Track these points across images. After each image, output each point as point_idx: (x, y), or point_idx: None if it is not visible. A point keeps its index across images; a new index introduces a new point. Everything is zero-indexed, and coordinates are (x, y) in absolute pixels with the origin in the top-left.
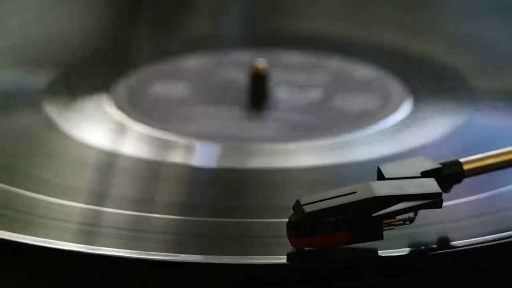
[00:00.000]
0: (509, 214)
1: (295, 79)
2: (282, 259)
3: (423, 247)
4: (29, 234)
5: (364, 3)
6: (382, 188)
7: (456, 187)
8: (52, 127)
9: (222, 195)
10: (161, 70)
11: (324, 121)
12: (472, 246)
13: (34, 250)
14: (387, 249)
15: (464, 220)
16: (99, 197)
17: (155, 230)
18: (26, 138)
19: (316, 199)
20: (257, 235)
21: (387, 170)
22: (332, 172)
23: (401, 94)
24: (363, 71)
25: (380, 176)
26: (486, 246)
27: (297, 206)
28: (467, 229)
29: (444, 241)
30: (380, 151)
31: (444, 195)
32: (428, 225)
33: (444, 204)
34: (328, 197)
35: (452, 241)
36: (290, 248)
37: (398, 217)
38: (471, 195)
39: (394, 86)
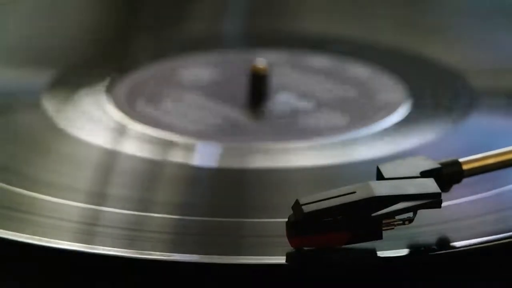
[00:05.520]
0: (509, 214)
1: (295, 79)
2: (282, 259)
3: (422, 247)
4: (28, 233)
5: (364, 3)
6: (381, 188)
7: (455, 187)
8: (52, 127)
9: (221, 195)
10: (161, 70)
11: (323, 121)
12: (471, 246)
13: (33, 249)
14: (386, 250)
15: (464, 220)
16: (98, 196)
17: (154, 230)
18: (26, 138)
19: (315, 199)
20: (256, 235)
21: (386, 170)
22: (332, 172)
23: (401, 94)
24: (363, 71)
25: (380, 176)
26: (486, 246)
27: (297, 206)
28: (467, 229)
29: (443, 241)
30: (379, 151)
31: (443, 195)
32: (428, 225)
33: (444, 204)
34: (327, 197)
35: (452, 242)
36: (289, 248)
37: (397, 217)
38: (471, 195)
39: (393, 85)
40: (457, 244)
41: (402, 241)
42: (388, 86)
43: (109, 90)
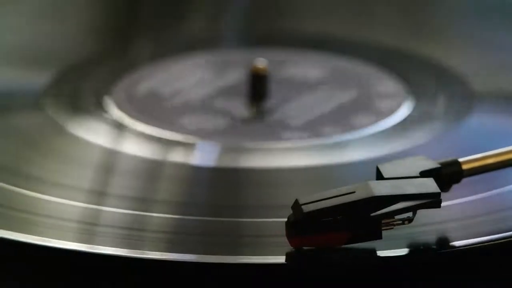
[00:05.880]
0: (508, 214)
1: (295, 79)
2: (281, 259)
3: (422, 247)
4: (29, 233)
5: (365, 2)
6: (381, 188)
7: (455, 187)
8: (52, 126)
9: (221, 194)
10: (161, 70)
11: (323, 121)
12: (471, 246)
13: (33, 249)
14: (386, 249)
15: (463, 220)
16: (98, 196)
17: (154, 229)
18: (26, 138)
19: (315, 199)
20: (256, 235)
21: (386, 170)
22: (331, 172)
23: (402, 94)
24: (363, 71)
25: (379, 176)
26: (486, 246)
27: (296, 205)
28: (466, 229)
29: (443, 241)
30: (379, 151)
31: (443, 195)
32: (427, 225)
33: (443, 204)
34: (327, 197)
35: (451, 241)
36: (289, 247)
37: (397, 217)
38: (470, 195)
39: (394, 86)
40: (457, 244)
41: (402, 241)
42: (388, 86)
43: (109, 90)
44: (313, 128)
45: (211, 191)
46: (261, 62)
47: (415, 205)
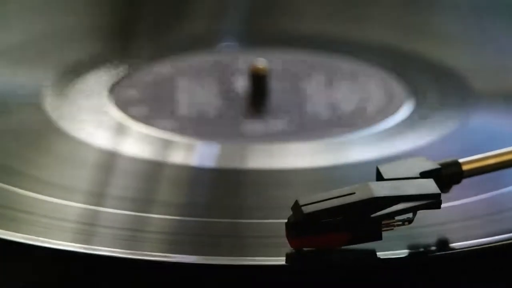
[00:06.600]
0: (509, 215)
1: (295, 79)
2: (281, 260)
3: (422, 248)
4: (28, 234)
5: (365, 3)
6: (381, 189)
7: (455, 188)
8: (52, 127)
9: (221, 195)
10: (161, 70)
11: (323, 121)
12: (471, 248)
13: (32, 249)
14: (386, 250)
15: (463, 221)
16: (98, 196)
17: (153, 230)
18: (26, 138)
19: (315, 200)
20: (255, 236)
21: (386, 171)
22: (332, 173)
23: (402, 95)
24: (364, 71)
25: (379, 177)
26: (486, 247)
27: (296, 206)
28: (466, 230)
29: (443, 242)
30: (379, 152)
31: (443, 196)
32: (427, 226)
33: (443, 205)
34: (327, 198)
35: (451, 243)
36: (289, 248)
37: (397, 218)
38: (470, 196)
39: (394, 86)
40: (456, 245)
41: (402, 242)
42: (388, 87)
43: (109, 90)
44: (313, 128)
45: (211, 192)
46: (261, 62)
47: (415, 206)
